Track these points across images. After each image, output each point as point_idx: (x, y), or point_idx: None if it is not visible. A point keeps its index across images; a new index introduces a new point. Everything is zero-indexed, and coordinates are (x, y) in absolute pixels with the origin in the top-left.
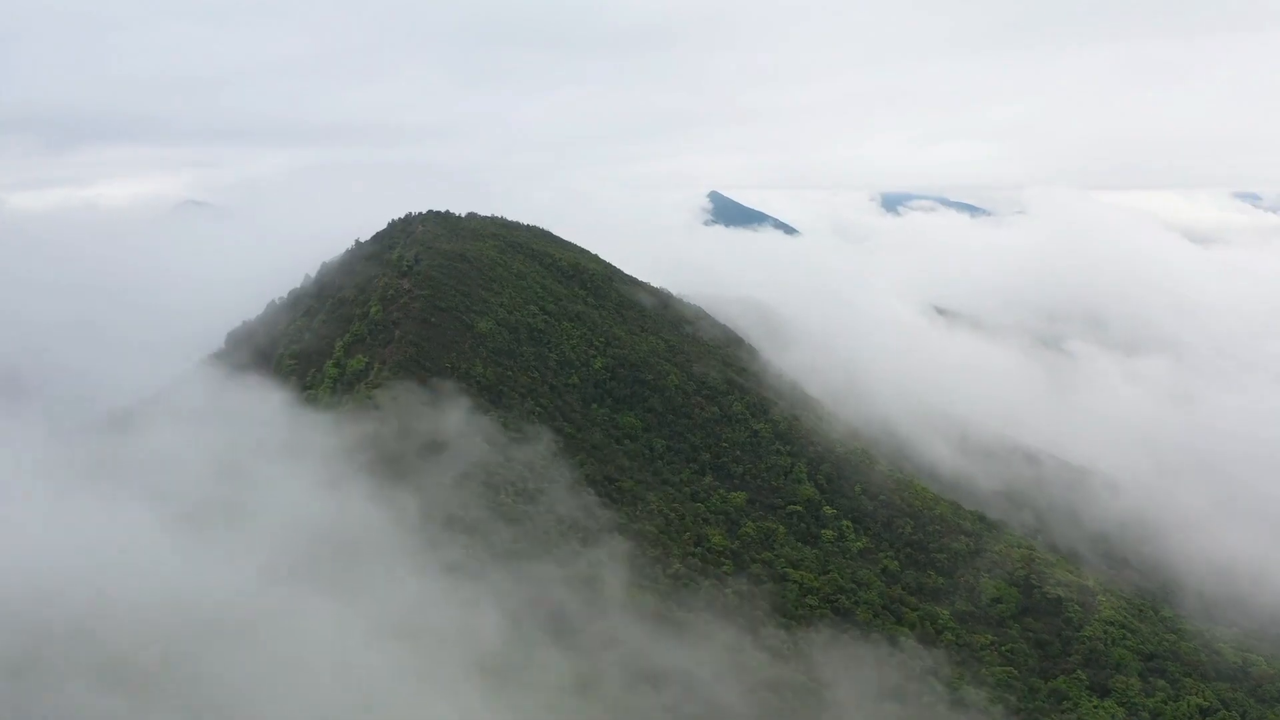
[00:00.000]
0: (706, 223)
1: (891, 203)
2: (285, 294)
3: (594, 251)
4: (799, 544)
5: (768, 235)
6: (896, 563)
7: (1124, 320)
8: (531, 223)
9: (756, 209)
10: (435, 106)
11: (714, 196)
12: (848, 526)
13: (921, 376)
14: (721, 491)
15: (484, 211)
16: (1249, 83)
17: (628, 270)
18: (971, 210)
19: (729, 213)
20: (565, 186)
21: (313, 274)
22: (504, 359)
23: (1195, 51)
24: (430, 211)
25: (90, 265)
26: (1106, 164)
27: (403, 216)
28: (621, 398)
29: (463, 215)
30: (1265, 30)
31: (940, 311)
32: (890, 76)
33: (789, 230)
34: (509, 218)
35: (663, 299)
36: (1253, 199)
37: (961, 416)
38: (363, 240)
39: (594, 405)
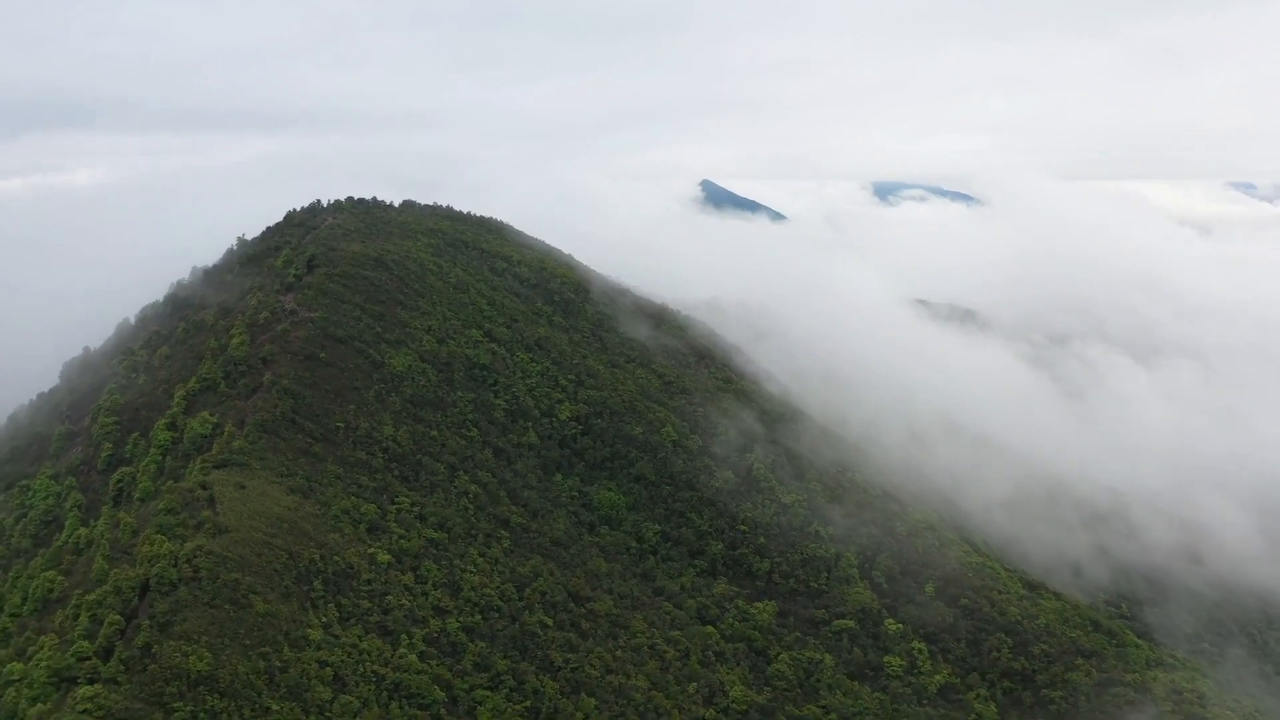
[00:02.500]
0: (698, 213)
1: (883, 192)
2: (138, 311)
3: (572, 250)
4: (853, 682)
5: (760, 227)
6: (994, 706)
7: (1131, 316)
8: (508, 217)
9: (749, 198)
10: (424, 92)
11: (706, 185)
12: (920, 650)
13: (939, 394)
14: (741, 603)
15: (457, 205)
16: (1243, 71)
17: (613, 271)
18: (966, 200)
19: (721, 202)
20: (552, 176)
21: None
22: (428, 411)
23: (1190, 38)
24: (348, 199)
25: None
26: (1101, 155)
27: (307, 205)
28: (598, 461)
29: (396, 204)
30: (1263, 5)
31: (939, 309)
32: (892, 67)
33: (781, 219)
34: (487, 210)
35: (655, 313)
36: (1246, 188)
37: (1002, 447)
38: (248, 237)
39: (558, 475)
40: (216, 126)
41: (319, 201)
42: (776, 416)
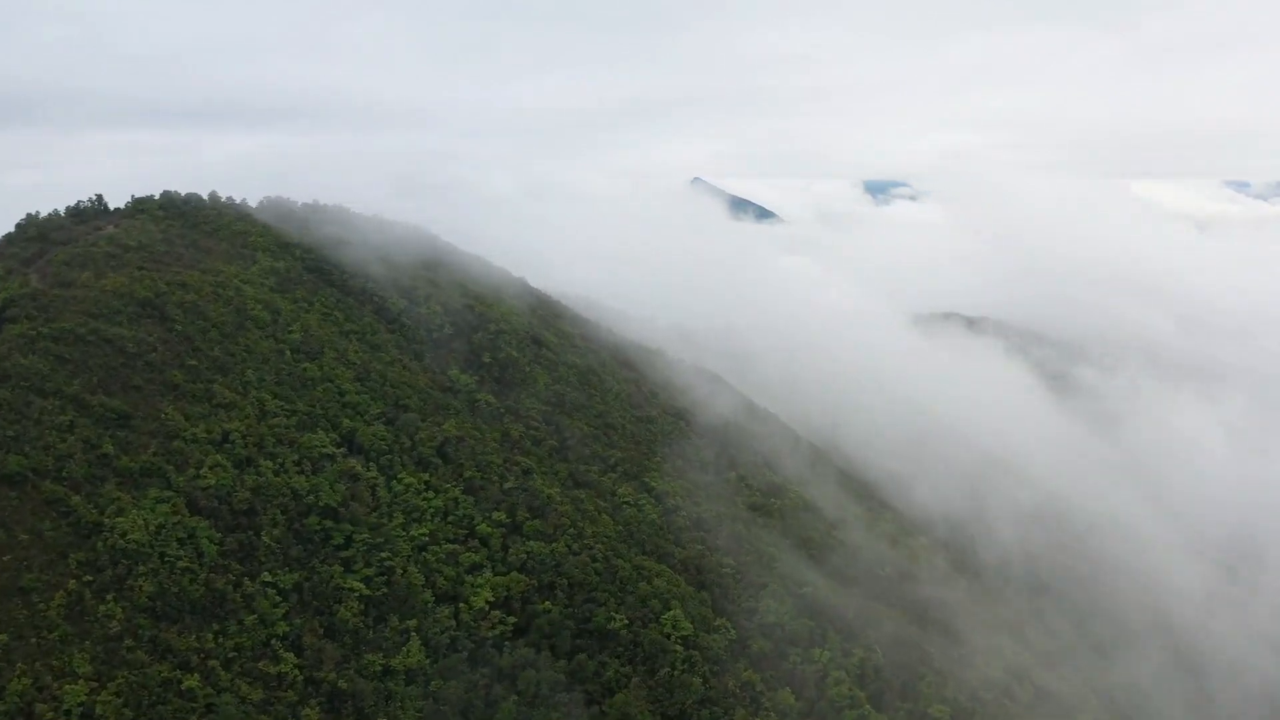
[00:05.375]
0: (689, 213)
1: (875, 190)
2: None
3: (550, 260)
4: None
5: (752, 230)
6: None
7: (1142, 327)
8: (480, 218)
9: (741, 196)
10: (416, 88)
11: (699, 184)
12: None
13: (988, 446)
14: None
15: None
16: (1241, 70)
17: (593, 288)
18: (959, 199)
19: (713, 201)
20: (539, 175)
21: None
22: (186, 629)
23: (1188, 35)
24: (163, 194)
25: None
26: (1093, 153)
27: (73, 206)
28: (541, 695)
29: (235, 200)
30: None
31: (946, 321)
32: (890, 64)
33: (773, 218)
34: (462, 214)
35: (645, 367)
36: (1239, 187)
37: (1087, 532)
38: None
39: None
40: (198, 123)
41: (99, 200)
42: (848, 563)
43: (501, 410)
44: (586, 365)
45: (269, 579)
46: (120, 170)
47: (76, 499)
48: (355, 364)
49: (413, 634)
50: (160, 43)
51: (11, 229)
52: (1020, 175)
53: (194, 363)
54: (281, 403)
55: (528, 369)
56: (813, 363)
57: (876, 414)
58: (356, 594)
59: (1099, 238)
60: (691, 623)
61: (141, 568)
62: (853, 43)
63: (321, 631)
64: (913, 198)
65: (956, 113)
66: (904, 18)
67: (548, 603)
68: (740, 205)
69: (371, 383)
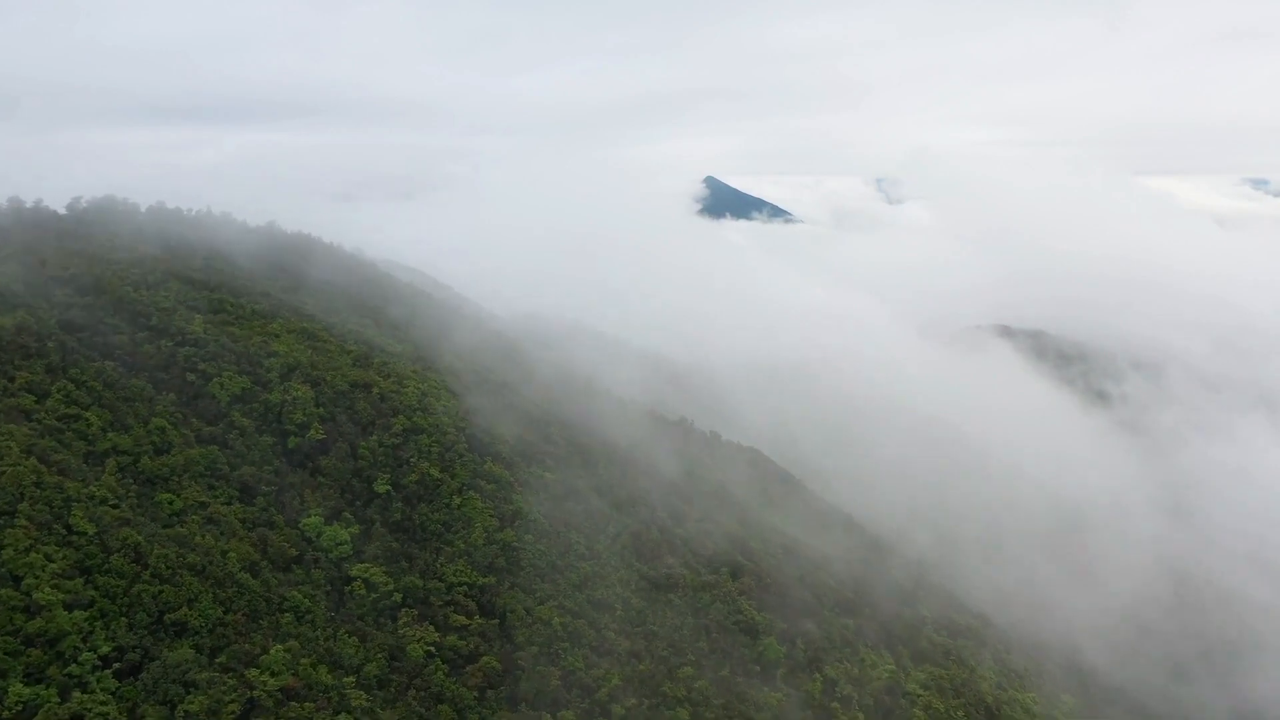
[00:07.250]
0: (701, 212)
1: (890, 188)
2: None
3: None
4: None
5: (766, 237)
6: None
7: (1183, 332)
8: (471, 221)
9: (755, 195)
10: (423, 79)
11: (711, 182)
12: None
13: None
14: None
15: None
16: (1259, 66)
17: (581, 310)
18: (976, 196)
19: (726, 200)
20: (541, 171)
21: None
22: None
23: (1208, 31)
24: None
25: None
26: (1116, 149)
27: None
28: None
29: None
30: None
31: (975, 330)
32: (910, 58)
33: (786, 216)
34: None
35: (665, 469)
36: (1258, 184)
37: None
38: None
39: None
40: (189, 120)
41: None
42: None
43: (395, 600)
44: (568, 484)
45: None
46: (95, 171)
47: None
48: (82, 534)
49: None
50: (155, 38)
51: None
52: (1035, 172)
53: None
54: None
55: (457, 502)
56: (834, 391)
57: (920, 452)
58: None
59: (1122, 236)
60: None
61: None
62: (875, 37)
63: None
64: (926, 196)
65: (973, 109)
66: (925, 13)
67: None
68: (754, 204)
69: (109, 575)
